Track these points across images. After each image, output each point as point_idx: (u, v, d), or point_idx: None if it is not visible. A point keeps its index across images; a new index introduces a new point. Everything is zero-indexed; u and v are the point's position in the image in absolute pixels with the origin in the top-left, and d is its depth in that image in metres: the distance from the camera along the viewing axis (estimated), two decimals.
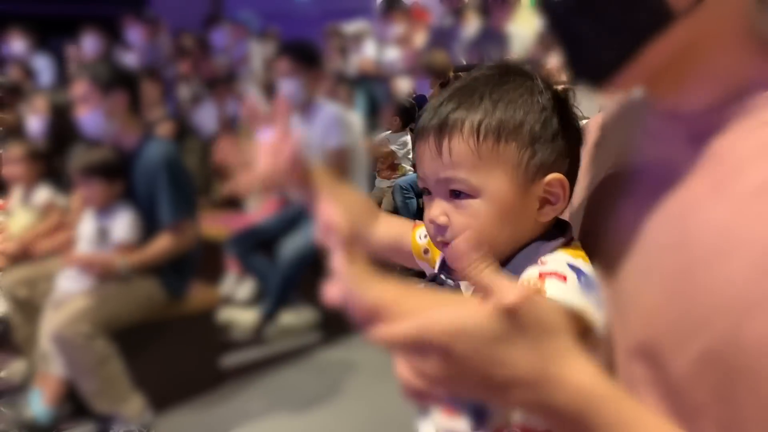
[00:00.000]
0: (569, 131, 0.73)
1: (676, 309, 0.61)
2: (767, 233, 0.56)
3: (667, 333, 0.62)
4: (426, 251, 0.86)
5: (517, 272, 0.68)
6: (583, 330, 0.63)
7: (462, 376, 0.50)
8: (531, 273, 0.67)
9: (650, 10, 0.60)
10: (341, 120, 3.43)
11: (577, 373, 0.52)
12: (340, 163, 3.40)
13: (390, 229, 0.91)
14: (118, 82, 2.64)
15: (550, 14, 0.67)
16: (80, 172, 2.59)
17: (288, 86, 3.39)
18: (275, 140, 0.86)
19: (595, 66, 0.66)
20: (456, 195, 0.71)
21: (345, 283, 0.52)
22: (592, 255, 0.71)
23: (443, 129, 0.70)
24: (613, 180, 0.74)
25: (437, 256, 0.83)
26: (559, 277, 0.65)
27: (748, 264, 0.56)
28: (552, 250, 0.70)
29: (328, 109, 3.45)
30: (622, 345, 0.67)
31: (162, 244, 2.63)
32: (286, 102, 0.91)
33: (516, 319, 0.51)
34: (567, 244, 0.72)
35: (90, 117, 2.62)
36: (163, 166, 2.61)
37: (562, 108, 0.73)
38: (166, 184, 2.61)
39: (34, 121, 3.34)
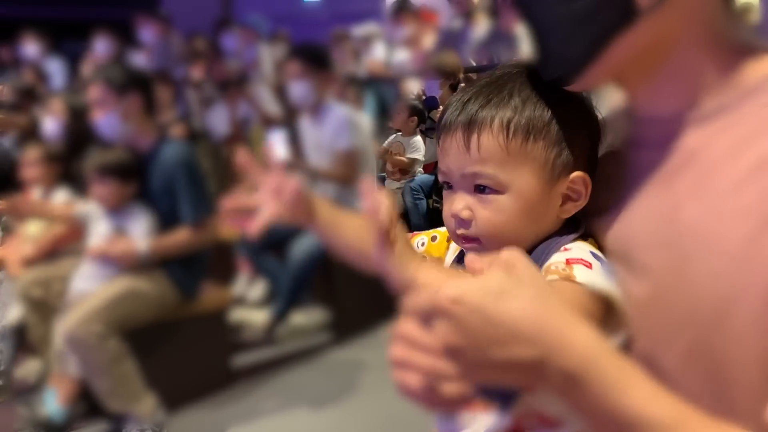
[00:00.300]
0: (591, 129, 0.75)
1: (664, 305, 0.63)
2: (741, 229, 0.58)
3: (656, 329, 0.64)
4: (424, 258, 0.86)
5: (537, 260, 0.71)
6: (610, 312, 0.66)
7: (468, 341, 0.50)
8: (557, 258, 0.69)
9: (616, 7, 0.62)
10: (351, 122, 3.45)
11: (578, 332, 0.52)
12: (350, 165, 3.42)
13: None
14: (133, 85, 2.67)
15: (521, 6, 0.69)
16: (95, 171, 2.61)
17: (298, 89, 3.40)
18: (275, 185, 0.88)
19: (562, 61, 0.67)
20: (481, 190, 0.72)
21: (387, 261, 0.56)
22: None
23: (472, 124, 0.72)
24: (602, 183, 0.76)
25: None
26: (585, 263, 0.67)
27: (726, 259, 0.59)
28: (572, 240, 0.72)
29: (338, 110, 3.46)
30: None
31: (182, 237, 2.66)
32: (279, 155, 0.95)
33: (514, 274, 0.52)
34: (583, 237, 0.74)
35: (106, 120, 2.65)
36: (181, 166, 2.64)
37: (584, 105, 0.75)
38: (185, 183, 2.64)
39: (51, 124, 3.37)
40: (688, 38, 0.65)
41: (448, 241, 0.87)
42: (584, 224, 0.76)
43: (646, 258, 0.67)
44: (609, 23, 0.63)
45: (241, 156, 0.91)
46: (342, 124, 3.39)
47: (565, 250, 0.70)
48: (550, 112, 0.72)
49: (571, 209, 0.74)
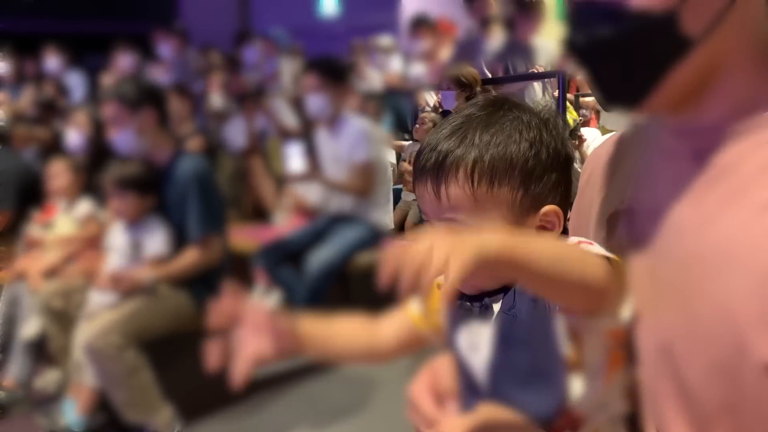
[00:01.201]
0: (558, 161, 0.77)
1: (689, 319, 0.63)
2: None
3: (682, 341, 0.64)
4: (424, 315, 0.86)
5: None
6: (622, 274, 0.69)
7: None
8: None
9: (668, 40, 0.62)
10: (368, 134, 3.45)
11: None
12: (367, 177, 3.43)
13: (391, 327, 0.89)
14: (146, 100, 2.69)
15: (575, 55, 0.69)
16: (114, 184, 2.64)
17: (315, 101, 3.42)
18: (256, 321, 0.83)
19: (621, 97, 0.68)
20: None
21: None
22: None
23: (440, 175, 0.75)
24: (631, 194, 0.76)
25: (437, 314, 0.83)
26: (587, 242, 0.72)
27: (754, 278, 0.58)
28: None
29: (355, 123, 3.47)
30: (649, 340, 0.69)
31: (189, 258, 2.67)
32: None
33: None
34: None
35: (122, 137, 2.68)
36: (194, 180, 2.66)
37: (550, 139, 0.76)
38: (195, 198, 2.65)
39: (74, 136, 3.41)
40: (738, 56, 0.65)
41: None
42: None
43: (673, 269, 0.66)
44: (664, 56, 0.63)
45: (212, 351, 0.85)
46: (359, 137, 3.40)
47: None
48: (511, 152, 0.74)
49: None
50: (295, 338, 0.84)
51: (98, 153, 3.13)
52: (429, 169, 0.76)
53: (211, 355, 0.85)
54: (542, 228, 0.76)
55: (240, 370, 0.81)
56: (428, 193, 0.76)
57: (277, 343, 0.82)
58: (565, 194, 0.78)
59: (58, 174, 3.11)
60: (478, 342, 0.75)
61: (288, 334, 0.83)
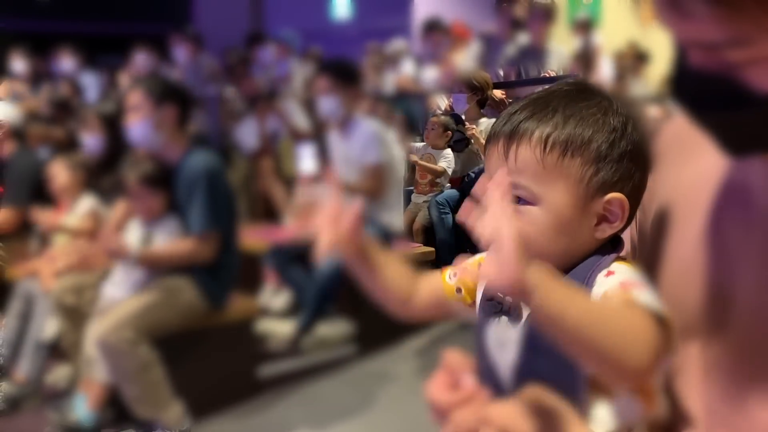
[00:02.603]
0: (637, 155, 0.74)
1: None
2: None
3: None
4: (459, 290, 0.85)
5: (579, 281, 0.70)
6: (669, 335, 0.65)
7: None
8: (610, 283, 0.69)
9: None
10: (380, 136, 3.46)
11: None
12: (378, 179, 3.44)
13: (427, 287, 0.88)
14: (170, 97, 2.74)
15: (687, 109, 0.64)
16: (137, 183, 2.67)
17: (327, 103, 3.44)
18: (334, 211, 0.82)
19: (745, 146, 0.62)
20: (516, 200, 0.72)
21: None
22: (680, 252, 0.72)
23: (513, 136, 0.73)
24: (714, 183, 0.71)
25: (470, 294, 0.83)
26: (640, 285, 0.67)
27: None
28: (610, 263, 0.71)
29: (367, 125, 3.49)
30: (713, 347, 0.66)
31: (180, 247, 2.67)
32: (336, 173, 0.89)
33: None
34: (621, 259, 0.73)
35: (139, 126, 2.72)
36: (203, 175, 2.67)
37: (634, 132, 0.74)
38: (201, 192, 2.65)
39: (90, 136, 3.43)
40: None
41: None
42: (622, 244, 0.75)
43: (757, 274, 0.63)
44: None
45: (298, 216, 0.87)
46: (371, 139, 3.42)
47: (611, 273, 0.70)
48: (591, 131, 0.72)
49: (607, 230, 0.73)
50: (363, 244, 0.83)
51: (115, 153, 3.15)
52: (504, 131, 0.74)
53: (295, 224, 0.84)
54: (603, 219, 0.73)
55: (317, 257, 0.82)
56: (497, 153, 0.74)
57: (348, 239, 0.81)
58: (636, 189, 0.74)
59: (57, 174, 3.14)
60: (506, 341, 0.74)
61: (360, 235, 0.82)
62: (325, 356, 3.30)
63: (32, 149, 3.83)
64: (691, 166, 0.74)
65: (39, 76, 5.79)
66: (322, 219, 0.82)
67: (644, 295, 0.65)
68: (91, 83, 5.82)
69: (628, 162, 0.73)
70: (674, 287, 0.70)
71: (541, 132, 0.72)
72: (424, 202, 3.59)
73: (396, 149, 3.58)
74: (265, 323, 3.37)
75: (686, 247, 0.71)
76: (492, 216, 0.61)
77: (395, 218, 3.55)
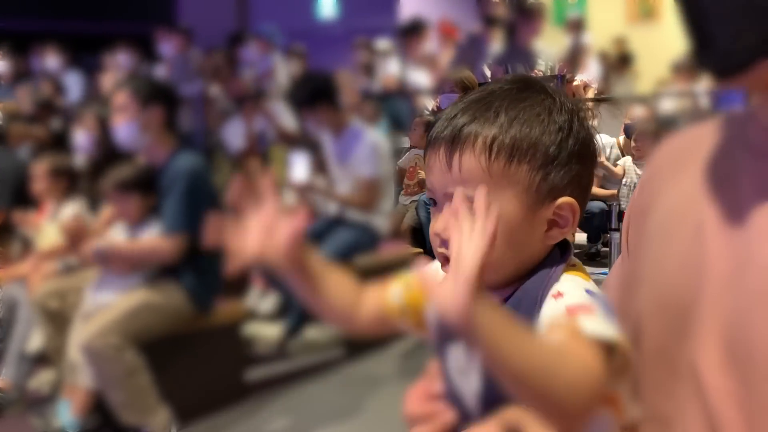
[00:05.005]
0: (584, 154, 0.71)
1: None
2: None
3: None
4: (404, 310, 0.80)
5: (531, 297, 0.68)
6: (621, 358, 0.63)
7: None
8: (555, 309, 0.66)
9: None
10: (379, 149, 3.41)
11: None
12: (373, 193, 3.41)
13: (371, 301, 0.82)
14: (157, 98, 2.70)
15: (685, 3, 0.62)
16: (115, 187, 2.63)
17: (309, 125, 3.45)
18: (267, 218, 0.75)
19: (728, 55, 0.60)
20: None
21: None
22: (678, 255, 0.69)
23: (455, 142, 0.69)
24: (705, 190, 0.69)
25: (416, 314, 0.79)
26: (587, 310, 0.64)
27: None
28: (560, 275, 0.69)
29: (368, 136, 3.42)
30: (716, 354, 0.63)
31: (148, 244, 2.62)
32: (272, 177, 0.78)
33: None
34: (571, 266, 0.71)
35: (125, 127, 2.68)
36: (183, 175, 2.63)
37: (580, 129, 0.71)
38: (178, 193, 2.60)
39: (81, 137, 3.38)
40: None
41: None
42: (571, 248, 0.73)
43: (758, 280, 0.61)
44: None
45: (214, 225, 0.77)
46: (370, 152, 3.37)
47: (559, 295, 0.66)
48: (538, 133, 0.69)
49: (557, 236, 0.71)
50: (302, 258, 0.76)
51: (106, 155, 3.10)
52: (444, 136, 0.70)
53: (213, 226, 0.76)
54: (554, 224, 0.70)
55: (237, 260, 0.75)
56: (439, 162, 0.70)
57: (285, 253, 0.73)
58: (585, 190, 0.72)
59: (39, 176, 3.09)
60: (467, 369, 0.71)
61: (300, 249, 0.75)
62: (312, 359, 3.28)
63: (13, 149, 3.78)
64: (682, 183, 0.72)
65: (20, 75, 5.72)
66: (253, 226, 0.75)
67: (591, 322, 0.62)
68: (74, 82, 5.77)
69: (576, 163, 0.70)
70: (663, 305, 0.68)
71: (486, 137, 0.68)
72: (412, 202, 3.58)
73: (389, 157, 3.56)
74: (252, 327, 3.34)
75: (674, 264, 0.68)
76: (460, 235, 0.57)
77: (382, 221, 3.53)
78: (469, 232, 0.57)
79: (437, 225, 0.71)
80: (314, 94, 3.40)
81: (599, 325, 0.62)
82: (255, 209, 0.76)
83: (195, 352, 2.78)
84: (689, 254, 0.66)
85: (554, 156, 0.69)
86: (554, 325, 0.64)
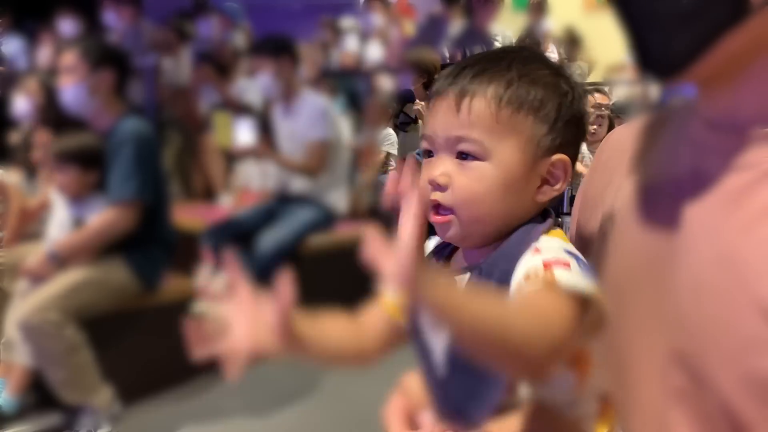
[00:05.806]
0: (579, 126, 0.76)
1: (725, 326, 0.60)
2: None
3: (713, 348, 0.61)
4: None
5: (510, 255, 0.69)
6: (596, 313, 0.65)
7: None
8: (533, 262, 0.66)
9: (727, 3, 0.60)
10: (327, 113, 3.40)
11: None
12: (321, 157, 3.37)
13: (372, 326, 0.80)
14: (108, 61, 2.60)
15: (619, 8, 0.66)
16: (56, 158, 2.53)
17: (263, 81, 3.36)
18: (247, 307, 0.72)
19: (664, 57, 0.64)
20: (463, 157, 0.71)
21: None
22: (628, 256, 0.72)
23: (467, 89, 0.71)
24: (651, 186, 0.73)
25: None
26: (564, 264, 0.65)
27: None
28: (542, 234, 0.71)
29: (314, 100, 3.41)
30: (659, 350, 0.66)
31: (99, 224, 2.51)
32: (242, 275, 0.74)
33: None
34: (553, 227, 0.73)
35: (72, 89, 2.57)
36: (130, 138, 2.54)
37: (579, 102, 0.76)
38: (126, 157, 2.50)
39: (22, 103, 3.25)
40: None
41: None
42: (552, 215, 0.75)
43: (701, 273, 0.63)
44: (719, 20, 0.60)
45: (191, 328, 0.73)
46: (318, 115, 3.35)
47: (537, 251, 0.68)
48: (544, 93, 0.72)
49: (548, 193, 0.73)
50: (294, 335, 0.70)
51: (49, 122, 2.97)
52: (458, 80, 0.72)
53: (194, 336, 0.72)
54: (545, 181, 0.73)
55: (234, 364, 0.70)
56: (447, 106, 0.72)
57: (279, 336, 0.69)
58: (573, 158, 0.75)
59: None
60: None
61: (289, 329, 0.69)
62: None
63: None
64: (628, 179, 0.76)
65: None
66: (235, 320, 0.71)
67: (566, 275, 0.64)
68: (16, 49, 5.53)
69: (573, 128, 0.74)
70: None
71: (497, 86, 0.71)
72: (372, 183, 3.55)
73: (343, 128, 3.52)
74: (202, 305, 3.26)
75: (627, 257, 0.72)
76: (403, 209, 0.56)
77: (339, 199, 3.48)
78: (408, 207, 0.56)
79: (435, 170, 0.72)
80: (281, 46, 3.37)
81: (574, 278, 0.64)
82: (229, 301, 0.73)
83: (141, 329, 2.71)
84: (632, 250, 0.70)
85: (556, 116, 0.72)
86: (529, 276, 0.65)
